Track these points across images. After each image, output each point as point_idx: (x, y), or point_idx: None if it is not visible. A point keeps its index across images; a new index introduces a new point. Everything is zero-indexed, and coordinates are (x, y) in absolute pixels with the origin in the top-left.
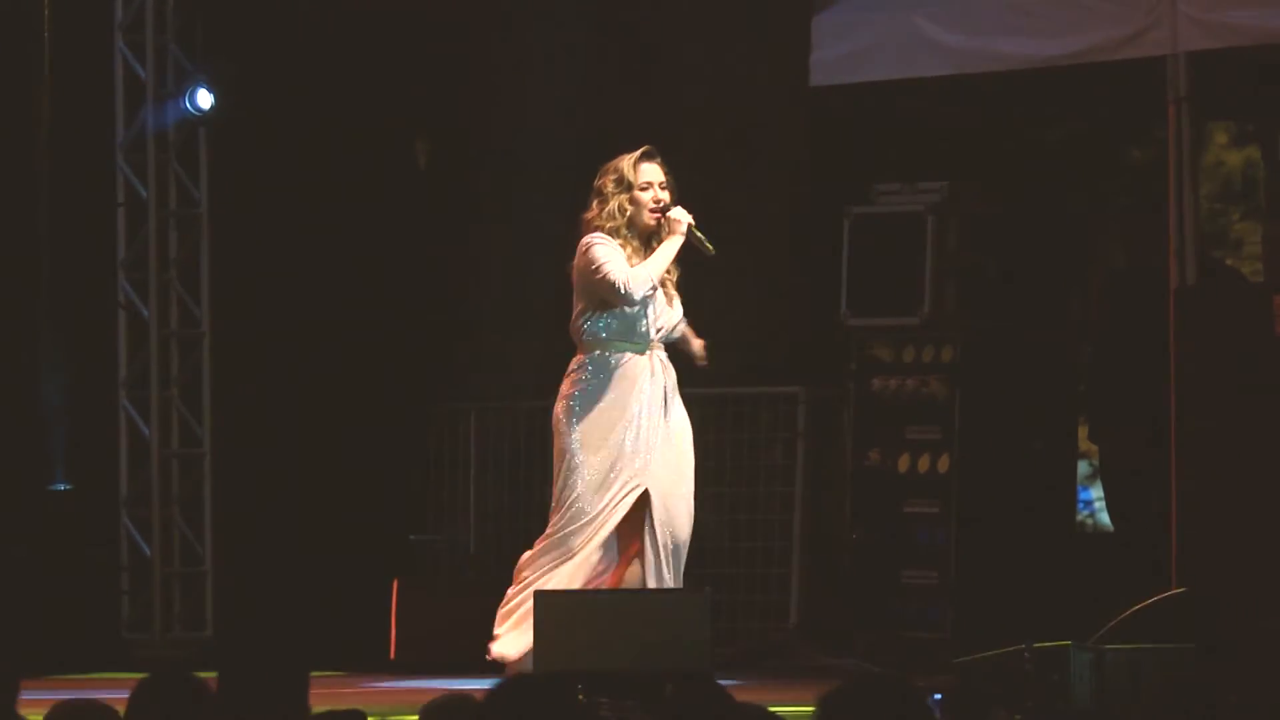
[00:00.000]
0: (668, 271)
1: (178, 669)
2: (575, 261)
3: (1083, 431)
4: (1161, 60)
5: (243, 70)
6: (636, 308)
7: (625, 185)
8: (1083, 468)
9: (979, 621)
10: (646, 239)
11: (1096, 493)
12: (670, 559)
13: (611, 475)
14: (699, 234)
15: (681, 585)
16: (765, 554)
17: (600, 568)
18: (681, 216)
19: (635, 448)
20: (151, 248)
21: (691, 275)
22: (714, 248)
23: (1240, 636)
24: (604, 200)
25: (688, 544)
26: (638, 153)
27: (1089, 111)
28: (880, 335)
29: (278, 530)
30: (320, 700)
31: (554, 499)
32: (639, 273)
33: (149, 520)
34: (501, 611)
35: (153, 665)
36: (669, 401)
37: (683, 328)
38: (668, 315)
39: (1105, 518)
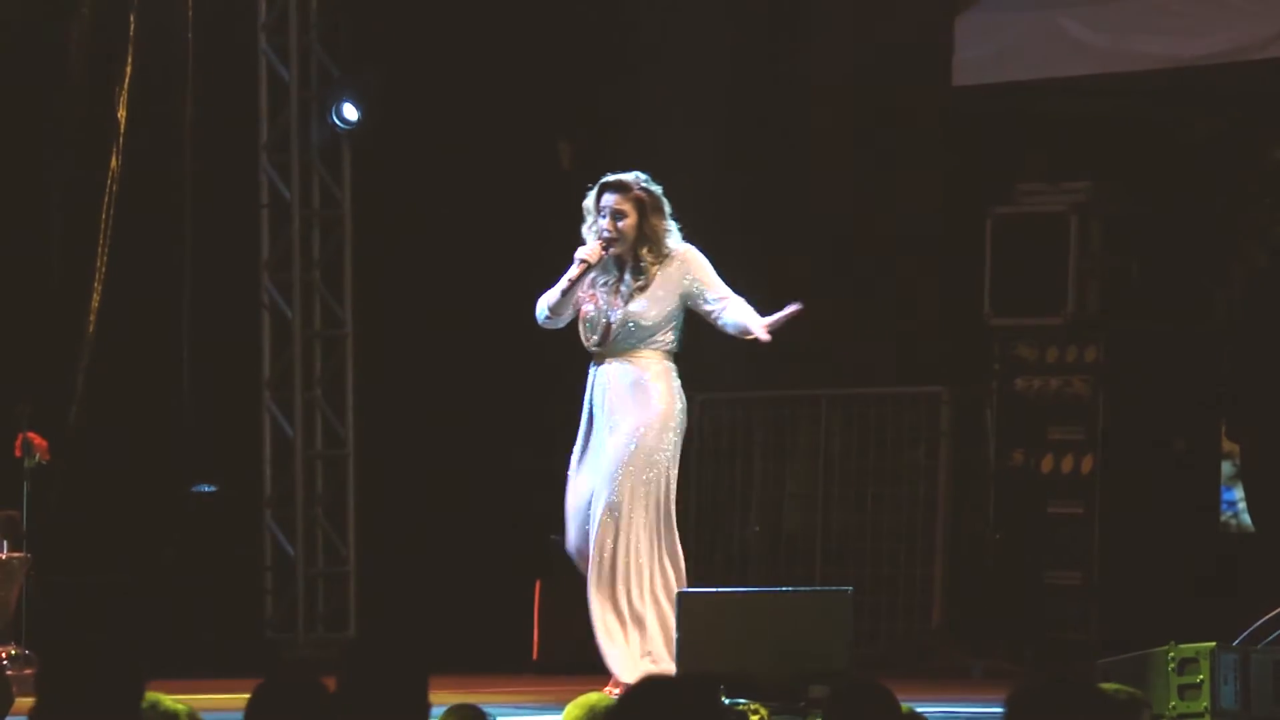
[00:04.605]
0: (640, 274)
1: (298, 669)
2: None
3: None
4: None
5: (386, 77)
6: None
7: (587, 213)
8: (1226, 468)
9: (1122, 622)
10: (618, 260)
11: (1240, 493)
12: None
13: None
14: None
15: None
16: (908, 554)
17: None
18: (586, 254)
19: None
20: (295, 248)
21: (836, 274)
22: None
23: None
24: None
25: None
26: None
27: (1231, 110)
28: (1024, 335)
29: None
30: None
31: None
32: (542, 300)
33: (292, 520)
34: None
35: (273, 666)
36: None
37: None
38: (623, 321)
39: (1249, 518)
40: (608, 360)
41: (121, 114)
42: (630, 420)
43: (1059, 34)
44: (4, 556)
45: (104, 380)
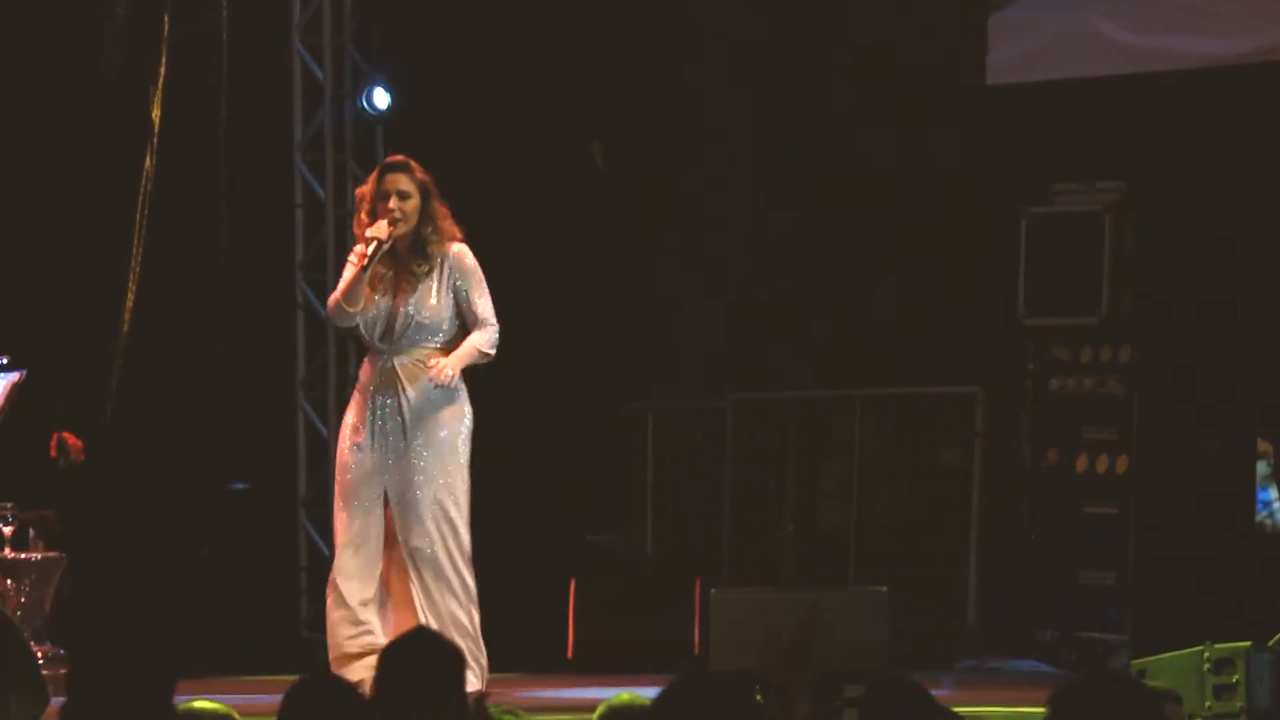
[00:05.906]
0: (424, 259)
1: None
2: None
3: None
4: None
5: (419, 71)
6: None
7: (361, 200)
8: (1261, 468)
9: (1157, 622)
10: (395, 254)
11: (1275, 493)
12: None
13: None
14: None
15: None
16: (943, 554)
17: None
18: (375, 232)
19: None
20: (329, 248)
21: (870, 274)
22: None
23: None
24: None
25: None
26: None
27: (1266, 110)
28: (1058, 335)
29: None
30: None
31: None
32: (332, 298)
33: (327, 521)
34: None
35: (309, 666)
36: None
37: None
38: (404, 314)
39: None
40: (392, 357)
41: (156, 114)
42: (424, 426)
43: (1092, 33)
44: (39, 556)
45: (139, 380)
